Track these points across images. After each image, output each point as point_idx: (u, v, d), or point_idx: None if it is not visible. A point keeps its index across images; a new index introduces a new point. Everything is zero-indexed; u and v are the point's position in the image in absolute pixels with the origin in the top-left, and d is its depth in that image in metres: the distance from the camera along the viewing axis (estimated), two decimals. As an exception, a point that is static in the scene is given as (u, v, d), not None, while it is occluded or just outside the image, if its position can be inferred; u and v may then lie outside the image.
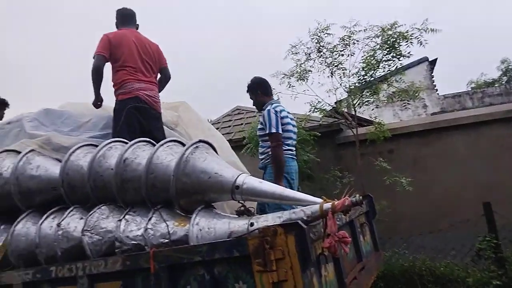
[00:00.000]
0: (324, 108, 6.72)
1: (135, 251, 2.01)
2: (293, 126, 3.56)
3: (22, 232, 2.39)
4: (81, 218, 2.27)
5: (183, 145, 2.36)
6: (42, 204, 2.51)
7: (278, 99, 3.76)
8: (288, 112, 3.55)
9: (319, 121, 7.18)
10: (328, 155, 6.89)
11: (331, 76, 6.49)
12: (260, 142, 3.57)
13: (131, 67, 3.26)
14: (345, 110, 7.07)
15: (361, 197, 1.93)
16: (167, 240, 2.01)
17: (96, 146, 2.49)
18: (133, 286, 1.97)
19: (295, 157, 3.53)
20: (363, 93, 6.38)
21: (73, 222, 2.26)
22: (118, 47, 3.26)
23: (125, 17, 3.55)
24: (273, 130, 3.29)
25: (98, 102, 3.28)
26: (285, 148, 3.40)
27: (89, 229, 2.14)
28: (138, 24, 3.63)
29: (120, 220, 2.12)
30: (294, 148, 3.54)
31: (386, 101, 6.87)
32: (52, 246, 2.24)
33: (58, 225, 2.25)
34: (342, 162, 6.78)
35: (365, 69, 6.16)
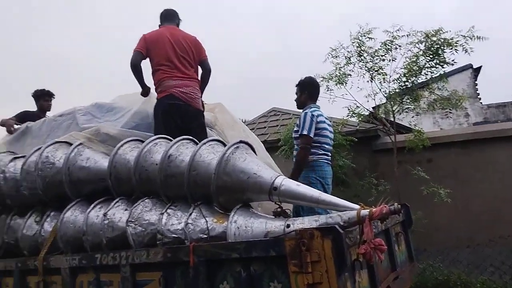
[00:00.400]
0: (362, 113, 6.65)
1: (175, 244, 2.10)
2: (330, 132, 3.57)
3: (70, 220, 2.55)
4: (126, 210, 2.40)
5: (224, 144, 2.43)
6: (90, 194, 2.65)
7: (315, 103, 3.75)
8: (326, 118, 3.56)
9: (356, 126, 7.11)
10: (364, 161, 6.81)
11: (371, 81, 6.41)
12: (295, 146, 3.59)
13: (166, 65, 3.32)
14: (384, 116, 6.96)
15: (399, 205, 1.93)
16: (206, 236, 2.09)
17: (143, 141, 2.61)
18: (173, 278, 2.06)
19: (330, 163, 3.54)
20: (403, 100, 6.26)
21: (118, 213, 2.39)
22: (153, 47, 3.35)
23: (165, 16, 3.65)
24: (305, 132, 3.32)
25: (145, 92, 3.39)
26: (320, 153, 3.42)
27: (133, 220, 2.26)
28: (179, 21, 3.69)
29: (162, 214, 2.22)
30: (330, 154, 3.55)
31: (426, 109, 6.71)
32: (98, 234, 2.37)
33: (105, 214, 2.38)
34: (378, 169, 6.69)
35: (406, 75, 6.03)
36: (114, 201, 2.47)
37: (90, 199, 2.61)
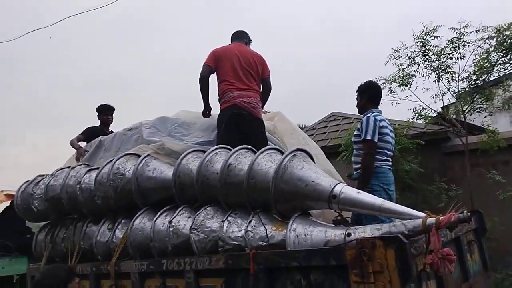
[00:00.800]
0: (429, 114, 6.34)
1: (236, 251, 2.14)
2: (392, 138, 3.46)
3: (139, 227, 2.70)
4: (189, 217, 2.49)
5: (282, 153, 2.44)
6: (156, 203, 2.79)
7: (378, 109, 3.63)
8: (388, 124, 3.46)
9: (423, 129, 6.78)
10: (432, 165, 6.46)
11: (438, 81, 6.11)
12: (354, 151, 3.51)
13: (231, 77, 3.47)
14: (454, 116, 6.58)
15: (469, 213, 1.81)
16: (265, 243, 2.11)
17: (204, 152, 2.70)
18: (234, 284, 2.10)
19: (391, 168, 3.44)
20: (474, 99, 5.88)
21: (183, 220, 2.49)
22: (221, 60, 3.52)
23: (235, 36, 3.86)
24: (369, 137, 3.21)
25: (207, 111, 3.54)
26: (383, 159, 3.32)
27: (196, 227, 2.34)
28: (248, 40, 3.88)
29: (223, 221, 2.28)
30: (391, 159, 3.45)
31: (501, 108, 6.23)
32: (164, 241, 2.49)
33: (170, 222, 2.49)
34: (448, 173, 6.31)
35: (477, 73, 5.67)
36: (179, 209, 2.58)
37: (157, 207, 2.74)
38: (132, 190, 2.81)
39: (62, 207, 3.29)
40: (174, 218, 2.52)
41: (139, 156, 2.99)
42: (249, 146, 2.61)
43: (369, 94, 3.54)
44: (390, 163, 3.40)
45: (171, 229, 2.47)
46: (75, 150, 4.24)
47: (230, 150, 2.57)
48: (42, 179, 3.57)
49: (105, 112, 4.79)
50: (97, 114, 4.81)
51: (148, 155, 2.97)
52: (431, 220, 1.81)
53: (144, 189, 2.82)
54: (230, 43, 3.82)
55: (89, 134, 4.50)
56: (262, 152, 2.41)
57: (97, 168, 3.19)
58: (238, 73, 3.48)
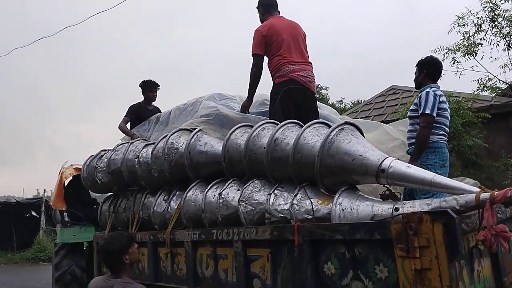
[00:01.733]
0: (496, 86, 5.90)
1: (282, 223, 2.19)
2: (449, 113, 3.34)
3: (192, 198, 2.83)
4: (238, 190, 2.57)
5: (329, 126, 2.42)
6: (207, 176, 2.90)
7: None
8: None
9: (489, 101, 6.33)
10: (499, 140, 6.05)
11: (508, 49, 5.64)
12: (409, 126, 3.40)
13: (285, 50, 3.45)
14: (525, 88, 6.06)
15: (528, 189, 1.70)
16: (310, 216, 2.13)
17: (252, 126, 2.74)
18: (280, 255, 2.16)
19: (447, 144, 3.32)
20: (550, 68, 5.36)
21: (232, 193, 2.57)
22: (270, 38, 3.47)
23: (269, 6, 3.73)
24: (427, 111, 3.15)
25: (249, 103, 3.52)
26: (441, 133, 3.27)
27: (244, 199, 2.41)
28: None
29: (270, 194, 2.33)
30: (447, 135, 3.33)
31: None
32: (214, 212, 2.60)
33: (220, 194, 2.59)
34: (517, 148, 5.88)
35: (554, 38, 5.15)
36: (228, 182, 2.67)
37: (208, 180, 2.85)
38: (185, 163, 2.94)
39: (123, 180, 3.52)
40: (223, 190, 2.61)
41: (191, 131, 3.10)
42: (296, 121, 2.61)
43: (428, 70, 3.45)
44: (447, 138, 3.31)
45: (221, 201, 2.57)
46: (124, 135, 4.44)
47: (277, 124, 2.59)
48: (105, 153, 3.82)
49: (150, 88, 4.76)
50: (141, 90, 4.77)
51: (199, 130, 3.08)
52: (485, 195, 1.72)
53: (196, 163, 2.94)
54: (264, 12, 3.71)
55: (133, 113, 4.63)
56: (309, 126, 2.40)
57: (153, 143, 3.35)
58: (290, 47, 3.46)
